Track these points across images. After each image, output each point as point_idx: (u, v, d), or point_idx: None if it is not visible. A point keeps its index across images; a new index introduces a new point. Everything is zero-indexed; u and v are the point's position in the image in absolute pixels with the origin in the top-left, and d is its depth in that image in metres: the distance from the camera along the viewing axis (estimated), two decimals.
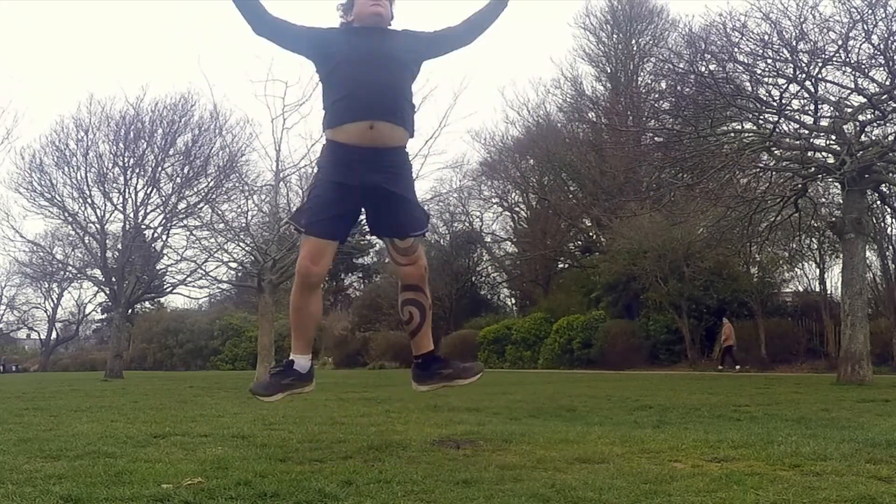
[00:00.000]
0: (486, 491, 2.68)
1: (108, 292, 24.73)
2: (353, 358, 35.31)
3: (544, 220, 34.58)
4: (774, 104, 13.68)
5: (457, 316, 35.32)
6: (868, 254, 17.14)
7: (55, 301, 40.98)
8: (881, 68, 12.90)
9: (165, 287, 26.63)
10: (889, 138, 13.83)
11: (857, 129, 13.65)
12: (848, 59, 12.77)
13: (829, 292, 21.93)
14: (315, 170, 3.38)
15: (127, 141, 22.75)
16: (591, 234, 33.54)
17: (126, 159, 22.91)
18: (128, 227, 23.10)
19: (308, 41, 3.42)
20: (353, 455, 3.55)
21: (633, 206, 21.38)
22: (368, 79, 3.24)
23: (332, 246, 3.31)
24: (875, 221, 18.74)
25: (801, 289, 24.16)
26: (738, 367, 20.68)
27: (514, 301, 39.87)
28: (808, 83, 13.36)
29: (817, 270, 22.31)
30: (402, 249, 3.39)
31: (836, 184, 15.31)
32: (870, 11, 12.26)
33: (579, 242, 34.85)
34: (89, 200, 23.18)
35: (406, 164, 3.45)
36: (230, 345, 39.34)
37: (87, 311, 44.22)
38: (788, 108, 13.96)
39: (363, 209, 3.39)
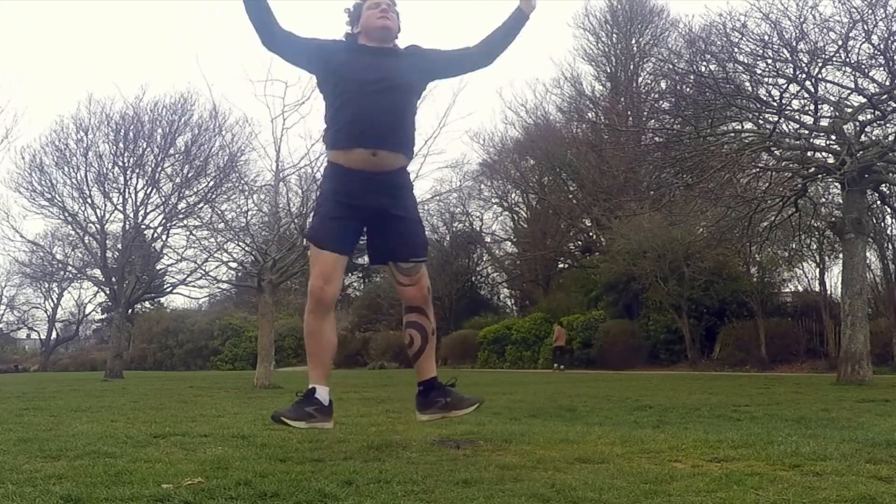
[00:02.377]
0: (486, 491, 2.68)
1: (108, 292, 24.71)
2: (353, 358, 35.31)
3: (544, 220, 34.59)
4: (774, 104, 13.68)
5: (457, 316, 35.32)
6: (868, 254, 17.14)
7: (55, 301, 40.97)
8: (881, 68, 12.91)
9: (165, 287, 26.62)
10: (889, 138, 13.83)
11: (857, 129, 13.65)
12: (848, 59, 12.78)
13: (828, 292, 21.95)
14: (319, 186, 3.38)
15: (127, 141, 22.74)
16: (591, 234, 33.55)
17: (126, 159, 22.89)
18: (128, 227, 23.09)
19: (316, 59, 3.38)
20: (353, 455, 3.54)
21: (633, 206, 21.40)
22: (373, 106, 3.20)
23: (342, 262, 3.29)
24: (875, 221, 18.73)
25: (800, 289, 24.18)
26: (563, 366, 23.26)
27: (513, 301, 39.89)
28: (808, 83, 13.36)
29: (817, 270, 22.33)
30: (405, 270, 3.36)
31: (836, 184, 15.31)
32: (870, 11, 12.26)
33: (579, 242, 34.85)
34: (89, 200, 23.17)
35: (407, 184, 3.44)
36: (230, 345, 39.32)
37: (87, 311, 44.19)
38: (788, 108, 13.97)
39: (366, 230, 3.37)
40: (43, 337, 43.32)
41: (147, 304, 40.73)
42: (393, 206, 3.29)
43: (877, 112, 13.16)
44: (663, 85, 17.49)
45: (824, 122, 14.17)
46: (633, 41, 33.96)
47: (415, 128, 3.43)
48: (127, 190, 23.12)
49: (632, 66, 33.67)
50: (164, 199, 23.07)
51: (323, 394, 3.29)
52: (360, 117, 3.21)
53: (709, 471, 3.09)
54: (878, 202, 15.96)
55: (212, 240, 16.98)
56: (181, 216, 22.01)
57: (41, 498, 2.55)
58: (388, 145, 3.23)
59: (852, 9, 12.36)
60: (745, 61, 13.61)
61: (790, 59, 13.09)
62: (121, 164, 22.90)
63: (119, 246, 23.53)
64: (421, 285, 3.38)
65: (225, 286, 28.75)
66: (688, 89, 14.70)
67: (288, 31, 3.37)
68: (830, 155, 14.05)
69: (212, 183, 21.32)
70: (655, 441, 3.97)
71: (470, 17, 72.14)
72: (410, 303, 3.40)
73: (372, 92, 3.22)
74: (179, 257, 22.08)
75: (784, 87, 13.53)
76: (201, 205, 21.06)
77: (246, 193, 16.61)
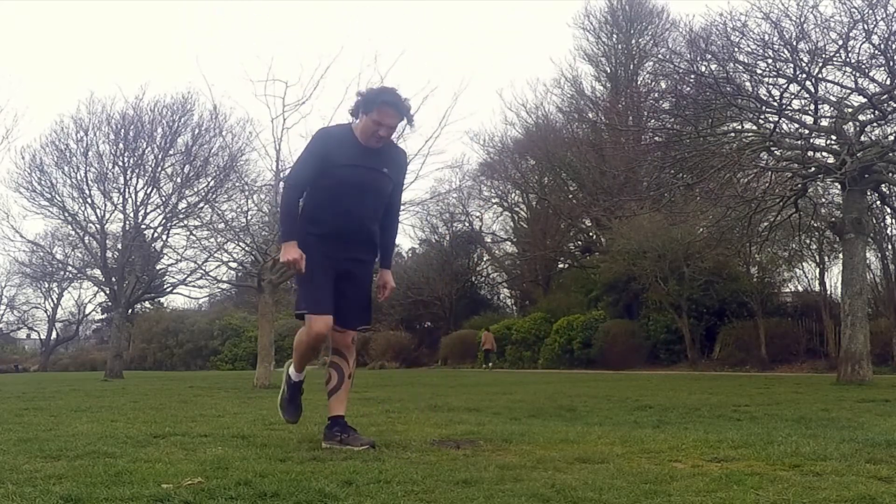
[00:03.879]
0: (486, 491, 2.68)
1: (108, 292, 24.71)
2: None
3: (544, 220, 34.59)
4: (775, 104, 13.68)
5: (457, 316, 35.33)
6: (868, 254, 17.13)
7: (55, 301, 41.00)
8: (881, 68, 12.90)
9: (165, 287, 26.61)
10: (889, 138, 13.83)
11: (858, 129, 13.64)
12: (848, 59, 12.77)
13: (828, 292, 21.96)
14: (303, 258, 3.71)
15: (127, 141, 22.74)
16: (591, 234, 33.55)
17: (126, 159, 22.89)
18: (128, 227, 23.09)
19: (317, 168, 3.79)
20: (353, 455, 3.54)
21: (633, 206, 21.38)
22: (351, 221, 3.74)
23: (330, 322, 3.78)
24: (875, 221, 18.73)
25: (800, 289, 24.19)
26: (490, 365, 27.19)
27: (513, 301, 39.90)
28: (808, 83, 13.36)
29: (817, 270, 22.32)
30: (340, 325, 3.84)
31: (836, 184, 15.31)
32: (870, 11, 12.26)
33: (579, 242, 34.86)
34: (89, 200, 23.17)
35: (371, 273, 3.95)
36: (230, 345, 39.33)
37: (87, 311, 44.22)
38: (789, 108, 13.96)
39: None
40: (43, 337, 43.36)
41: (147, 304, 40.76)
42: (358, 270, 3.85)
43: (877, 112, 13.15)
44: (663, 85, 17.49)
45: (824, 122, 14.17)
46: (634, 41, 33.97)
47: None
48: (127, 190, 23.13)
49: (632, 66, 33.67)
50: (164, 199, 23.08)
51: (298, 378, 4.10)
52: (337, 225, 3.77)
53: (709, 471, 3.09)
54: (878, 202, 15.96)
55: (212, 240, 16.98)
56: (181, 216, 22.01)
57: (41, 498, 2.55)
58: (357, 246, 3.86)
59: (853, 9, 12.37)
60: (746, 61, 13.60)
61: (790, 58, 13.09)
62: (121, 163, 22.91)
63: (119, 246, 23.54)
64: (347, 334, 3.87)
65: (225, 286, 28.74)
66: (688, 89, 14.69)
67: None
68: (830, 155, 14.04)
69: (212, 183, 21.31)
70: (655, 441, 3.97)
71: (469, 17, 72.11)
72: (335, 345, 3.89)
73: (354, 197, 3.75)
74: (179, 257, 22.10)
75: (784, 86, 13.53)
76: (201, 205, 21.05)
77: (246, 193, 16.60)
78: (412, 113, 3.74)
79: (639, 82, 31.32)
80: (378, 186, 3.77)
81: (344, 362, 3.86)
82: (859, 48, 12.66)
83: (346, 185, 3.69)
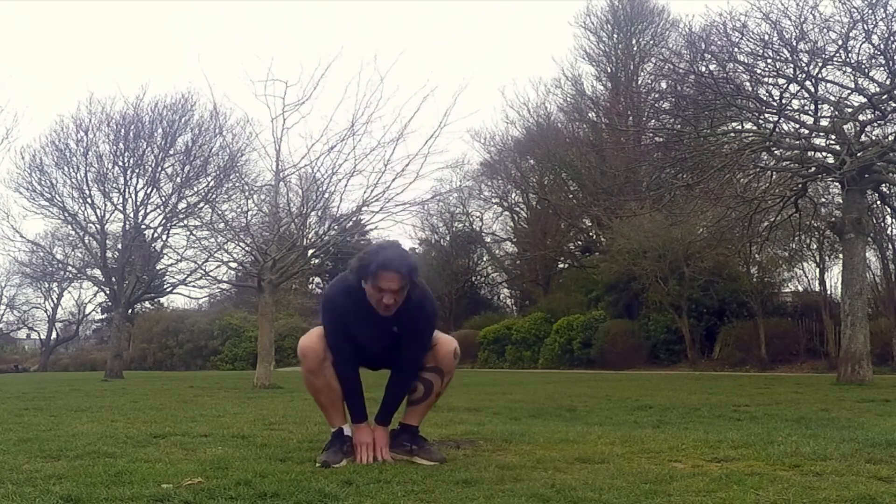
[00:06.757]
0: (486, 491, 2.68)
1: (108, 292, 24.71)
2: None
3: (544, 220, 34.58)
4: (774, 104, 13.68)
5: (457, 316, 35.32)
6: (868, 254, 17.13)
7: (55, 301, 40.96)
8: (881, 68, 12.91)
9: (165, 287, 26.59)
10: (889, 138, 13.82)
11: (857, 129, 13.64)
12: (848, 59, 12.77)
13: (829, 292, 21.94)
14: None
15: (127, 141, 22.72)
16: (591, 234, 33.55)
17: (126, 159, 22.88)
18: (128, 227, 23.08)
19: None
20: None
21: (634, 206, 21.37)
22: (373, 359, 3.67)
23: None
24: (875, 221, 18.72)
25: (800, 289, 24.18)
26: None
27: (513, 301, 39.90)
28: (808, 83, 13.36)
29: (817, 270, 22.31)
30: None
31: (836, 184, 15.30)
32: (870, 11, 12.26)
33: (579, 242, 34.86)
34: (89, 200, 23.15)
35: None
36: (230, 345, 39.29)
37: (87, 311, 44.18)
38: (788, 108, 13.96)
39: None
40: (43, 337, 43.33)
41: (147, 304, 40.72)
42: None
43: (877, 112, 13.15)
44: (664, 85, 17.49)
45: (824, 122, 14.16)
46: (634, 41, 33.97)
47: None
48: (127, 190, 23.12)
49: (632, 66, 33.68)
50: (164, 199, 23.07)
51: (348, 430, 3.55)
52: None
53: (709, 471, 3.09)
54: (878, 202, 15.95)
55: (212, 240, 16.96)
56: (181, 216, 21.99)
57: (41, 498, 2.55)
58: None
59: (852, 9, 12.37)
60: (746, 61, 13.60)
61: (790, 58, 13.09)
62: (121, 164, 22.90)
63: (119, 246, 23.53)
64: (448, 350, 3.58)
65: (225, 286, 28.74)
66: (688, 89, 14.69)
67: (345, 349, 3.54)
68: (830, 155, 14.04)
69: (212, 183, 21.29)
70: (655, 441, 3.97)
71: (469, 16, 72.13)
72: (430, 362, 3.59)
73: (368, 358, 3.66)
74: (179, 257, 22.06)
75: (784, 86, 13.53)
76: (201, 205, 21.02)
77: (246, 193, 16.57)
78: (414, 265, 3.37)
79: (639, 82, 31.34)
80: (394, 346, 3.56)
81: (437, 378, 3.59)
82: (859, 48, 12.68)
83: (364, 351, 3.56)
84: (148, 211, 23.46)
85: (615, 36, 34.28)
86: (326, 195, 14.45)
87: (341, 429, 3.51)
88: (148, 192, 23.26)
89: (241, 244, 15.29)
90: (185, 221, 21.54)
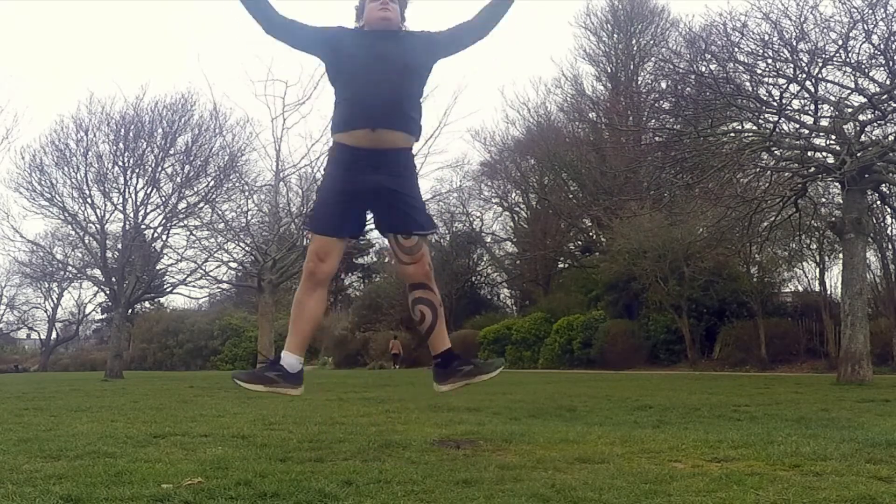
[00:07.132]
0: (486, 491, 2.68)
1: (108, 292, 24.70)
2: (353, 358, 35.34)
3: (544, 220, 34.59)
4: (774, 104, 13.68)
5: (457, 316, 35.30)
6: (868, 254, 17.12)
7: (55, 301, 40.99)
8: (881, 68, 12.91)
9: (165, 287, 26.60)
10: (889, 138, 13.82)
11: (857, 129, 13.64)
12: (848, 59, 12.77)
13: (829, 292, 21.94)
14: (322, 171, 3.41)
15: (127, 141, 22.73)
16: (591, 234, 33.55)
17: (126, 159, 22.87)
18: (128, 227, 23.07)
19: (319, 42, 3.46)
20: (353, 455, 3.54)
21: (633, 206, 21.38)
22: (372, 87, 3.30)
23: (337, 244, 3.36)
24: (875, 221, 18.73)
25: (800, 289, 24.18)
26: (397, 366, 29.72)
27: (514, 301, 39.89)
28: (808, 83, 13.36)
29: (817, 270, 22.32)
30: (407, 248, 3.38)
31: (836, 184, 15.31)
32: (870, 11, 12.26)
33: (579, 242, 34.86)
34: (89, 200, 23.14)
35: (409, 166, 3.49)
36: (230, 345, 39.32)
37: (87, 311, 44.23)
38: (788, 108, 13.96)
39: (369, 209, 3.42)
40: (43, 337, 43.36)
41: (147, 304, 40.77)
42: (392, 182, 3.34)
43: (877, 112, 13.15)
44: (664, 85, 17.48)
45: (824, 122, 14.16)
46: (634, 41, 33.98)
47: (420, 109, 3.55)
48: (127, 190, 23.11)
49: (632, 66, 33.69)
50: (164, 199, 23.06)
51: (290, 360, 3.25)
52: (360, 98, 3.31)
53: (709, 471, 3.09)
54: (878, 202, 15.95)
55: (212, 240, 16.99)
56: (181, 216, 22.00)
57: (41, 498, 2.55)
58: (387, 124, 3.32)
59: (852, 9, 12.37)
60: (746, 61, 13.60)
61: (790, 58, 13.09)
62: (121, 163, 22.89)
63: (119, 246, 23.52)
64: (422, 262, 3.41)
65: (225, 286, 28.75)
66: (688, 89, 14.69)
67: (289, 20, 3.44)
68: (830, 155, 14.04)
69: (212, 183, 21.31)
70: (655, 441, 3.97)
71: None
72: (413, 280, 3.43)
73: (373, 74, 3.32)
74: (179, 257, 22.10)
75: (784, 86, 13.53)
76: (201, 205, 21.04)
77: (246, 193, 16.62)
78: None
79: (639, 82, 31.35)
80: (398, 56, 3.37)
81: (430, 293, 3.39)
82: (859, 48, 12.68)
83: (360, 58, 3.35)
84: (148, 211, 23.46)
85: (615, 36, 34.29)
86: None
87: (279, 356, 3.27)
88: (148, 192, 23.26)
89: (240, 244, 15.33)
90: (185, 221, 21.58)
